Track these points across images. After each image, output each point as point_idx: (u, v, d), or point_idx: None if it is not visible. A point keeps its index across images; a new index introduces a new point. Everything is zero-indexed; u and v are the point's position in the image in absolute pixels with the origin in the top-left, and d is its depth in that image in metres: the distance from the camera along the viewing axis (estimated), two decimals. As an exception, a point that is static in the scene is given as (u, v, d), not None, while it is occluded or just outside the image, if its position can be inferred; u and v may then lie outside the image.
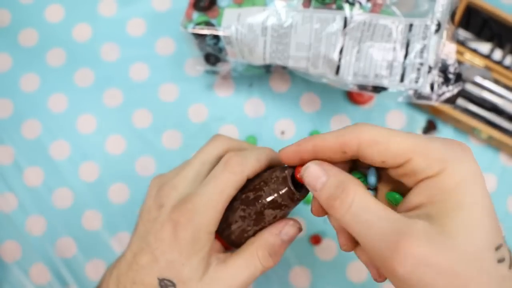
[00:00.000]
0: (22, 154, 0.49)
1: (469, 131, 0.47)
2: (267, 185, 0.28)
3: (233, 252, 0.29)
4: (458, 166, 0.21)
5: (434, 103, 0.38)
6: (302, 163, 0.26)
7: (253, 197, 0.28)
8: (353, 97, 0.48)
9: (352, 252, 0.46)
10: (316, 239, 0.46)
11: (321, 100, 0.49)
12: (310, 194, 0.43)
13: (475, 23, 0.49)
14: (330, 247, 0.46)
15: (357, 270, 0.46)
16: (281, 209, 0.28)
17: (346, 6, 0.37)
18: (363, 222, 0.22)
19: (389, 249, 0.20)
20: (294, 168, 0.28)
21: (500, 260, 0.20)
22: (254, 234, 0.30)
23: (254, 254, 0.28)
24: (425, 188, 0.22)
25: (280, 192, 0.28)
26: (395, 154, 0.22)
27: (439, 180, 0.21)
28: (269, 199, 0.28)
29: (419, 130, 0.48)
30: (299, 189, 0.28)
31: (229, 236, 0.30)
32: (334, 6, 0.37)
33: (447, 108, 0.46)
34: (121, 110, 0.49)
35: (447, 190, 0.21)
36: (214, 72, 0.47)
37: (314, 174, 0.24)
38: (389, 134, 0.22)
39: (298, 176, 0.27)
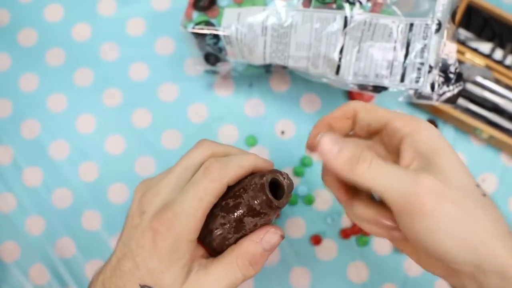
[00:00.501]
0: (21, 154, 0.49)
1: (470, 131, 0.47)
2: (246, 192, 0.28)
3: (214, 259, 0.29)
4: (425, 125, 0.27)
5: (435, 103, 0.38)
6: None
7: (233, 204, 0.28)
8: (353, 97, 0.48)
9: (352, 253, 0.46)
10: (316, 240, 0.46)
11: (321, 100, 0.49)
12: (311, 194, 0.42)
13: (476, 22, 0.49)
14: (330, 247, 0.46)
15: (357, 271, 0.45)
16: (261, 216, 0.28)
17: (347, 6, 0.37)
18: (384, 179, 0.25)
19: (409, 192, 0.24)
20: (274, 174, 0.28)
21: (484, 194, 0.26)
22: (235, 241, 0.29)
23: (234, 263, 0.28)
24: (408, 144, 0.27)
25: (258, 200, 0.27)
26: (380, 117, 0.28)
27: (415, 137, 0.26)
28: (248, 206, 0.27)
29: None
30: (279, 197, 0.28)
31: (211, 243, 0.29)
32: (334, 5, 0.37)
33: (447, 108, 0.45)
34: (120, 110, 0.49)
35: (425, 143, 0.26)
36: (214, 72, 0.46)
37: (330, 143, 0.26)
38: (374, 105, 0.29)
39: (314, 144, 0.28)
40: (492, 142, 0.47)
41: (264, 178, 0.27)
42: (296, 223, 0.47)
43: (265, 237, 0.28)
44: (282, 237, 0.29)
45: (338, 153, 0.26)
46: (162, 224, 0.27)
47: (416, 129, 0.27)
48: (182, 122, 0.49)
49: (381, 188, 0.25)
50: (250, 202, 0.27)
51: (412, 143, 0.26)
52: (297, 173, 0.47)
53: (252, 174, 0.30)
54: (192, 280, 0.28)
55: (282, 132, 0.48)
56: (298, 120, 0.48)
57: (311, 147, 0.29)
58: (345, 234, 0.46)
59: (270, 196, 0.27)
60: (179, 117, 0.49)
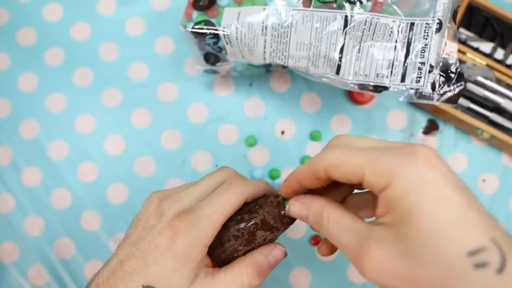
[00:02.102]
0: (20, 154, 0.48)
1: (471, 131, 0.47)
2: (262, 208, 0.31)
3: (222, 268, 0.31)
4: (402, 176, 0.21)
5: (436, 102, 0.37)
6: (299, 193, 0.30)
7: (248, 218, 0.31)
8: (353, 97, 0.48)
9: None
10: (316, 240, 0.46)
11: (322, 99, 0.49)
12: None
13: (477, 22, 0.49)
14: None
15: (357, 271, 0.45)
16: (272, 231, 0.31)
17: (347, 5, 0.37)
18: (338, 238, 0.24)
19: (356, 257, 0.22)
20: None
21: (479, 265, 0.19)
22: (243, 254, 0.32)
23: (243, 271, 0.30)
24: (383, 200, 0.22)
25: (273, 215, 0.30)
26: (352, 173, 0.24)
27: (388, 192, 0.22)
28: (262, 220, 0.31)
29: (420, 129, 0.48)
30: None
31: (220, 254, 0.31)
32: (334, 5, 0.37)
33: (448, 108, 0.45)
34: (120, 110, 0.49)
35: (396, 201, 0.21)
36: (214, 72, 0.46)
37: (298, 209, 0.28)
38: (345, 154, 0.24)
39: (286, 195, 0.30)
40: (493, 142, 0.47)
41: (280, 197, 0.31)
42: (296, 223, 0.46)
43: (273, 252, 0.31)
44: (286, 254, 0.32)
45: (308, 215, 0.28)
46: (184, 224, 0.28)
47: (388, 184, 0.22)
48: (182, 122, 0.49)
49: (337, 245, 0.25)
50: (265, 217, 0.30)
51: (386, 198, 0.22)
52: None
53: (264, 196, 0.33)
54: (198, 284, 0.29)
55: (282, 132, 0.48)
56: (298, 120, 0.48)
57: (285, 196, 0.31)
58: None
59: (284, 212, 0.30)
60: (179, 117, 0.49)
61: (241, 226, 0.31)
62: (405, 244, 0.20)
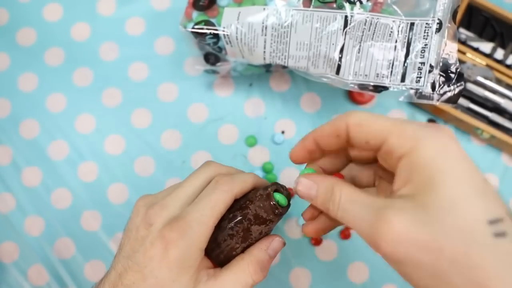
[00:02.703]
0: (20, 154, 0.48)
1: (470, 131, 0.47)
2: (252, 203, 0.30)
3: (222, 268, 0.30)
4: (428, 142, 0.22)
5: (436, 102, 0.37)
6: (310, 158, 0.28)
7: (240, 215, 0.30)
8: (353, 97, 0.48)
9: (352, 253, 0.46)
10: (316, 240, 0.46)
11: (322, 99, 0.49)
12: None
13: (477, 22, 0.49)
14: (330, 247, 0.46)
15: (357, 271, 0.45)
16: (266, 224, 0.31)
17: (347, 5, 0.37)
18: (351, 213, 0.23)
19: (372, 229, 0.21)
20: (276, 186, 0.31)
21: (499, 234, 0.19)
22: (242, 251, 0.31)
23: (246, 269, 0.29)
24: (403, 168, 0.22)
25: (265, 208, 0.30)
26: (375, 134, 0.24)
27: (411, 158, 0.22)
28: (255, 215, 0.30)
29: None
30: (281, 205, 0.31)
31: (219, 255, 0.31)
32: (334, 5, 0.37)
33: (448, 108, 0.45)
34: (120, 109, 0.49)
35: (420, 166, 0.21)
36: (214, 72, 0.46)
37: (306, 186, 0.27)
38: (371, 117, 0.24)
39: (291, 191, 0.30)
40: (493, 142, 0.47)
41: (269, 189, 0.30)
42: (297, 223, 0.46)
43: (271, 245, 0.31)
44: (284, 244, 0.32)
45: (316, 193, 0.26)
46: (175, 233, 0.27)
47: (414, 148, 0.22)
48: (182, 122, 0.49)
49: (349, 222, 0.24)
50: (257, 211, 0.30)
51: (408, 165, 0.22)
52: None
53: (253, 190, 0.32)
54: None
55: (282, 132, 0.48)
56: (298, 120, 0.48)
57: (294, 160, 0.29)
58: (345, 234, 0.46)
59: (276, 203, 0.30)
60: (179, 117, 0.49)
61: (235, 224, 0.30)
62: (427, 211, 0.20)
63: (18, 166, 0.48)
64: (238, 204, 0.31)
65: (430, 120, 0.48)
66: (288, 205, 0.31)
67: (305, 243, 0.46)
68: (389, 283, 0.45)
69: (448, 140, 0.22)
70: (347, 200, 0.24)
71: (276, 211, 0.30)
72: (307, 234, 0.30)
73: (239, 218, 0.31)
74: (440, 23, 0.36)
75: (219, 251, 0.31)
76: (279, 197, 0.31)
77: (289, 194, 0.32)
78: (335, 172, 0.30)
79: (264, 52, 0.39)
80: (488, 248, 0.19)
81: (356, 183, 0.30)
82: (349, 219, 0.24)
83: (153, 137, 0.48)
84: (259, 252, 0.30)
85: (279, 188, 0.31)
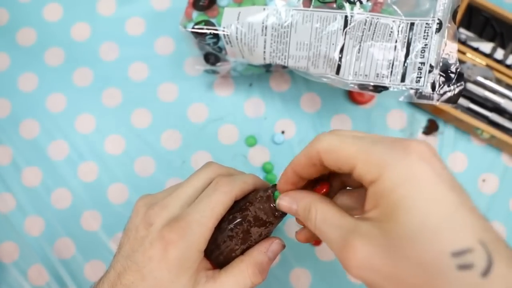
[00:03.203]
0: (20, 154, 0.48)
1: (470, 131, 0.47)
2: (252, 205, 0.30)
3: (222, 270, 0.30)
4: (394, 168, 0.21)
5: (436, 102, 0.37)
6: (299, 186, 0.29)
7: (240, 217, 0.30)
8: (353, 97, 0.48)
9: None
10: (316, 241, 0.46)
11: (322, 99, 0.49)
12: None
13: (477, 22, 0.49)
14: (330, 248, 0.46)
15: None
16: (266, 226, 0.31)
17: (347, 5, 0.37)
18: (324, 233, 0.24)
19: (340, 252, 0.22)
20: (275, 188, 0.30)
21: (464, 267, 0.18)
22: (241, 252, 0.31)
23: (245, 271, 0.29)
24: (371, 193, 0.22)
25: (265, 210, 0.30)
26: (343, 161, 0.23)
27: (378, 185, 0.21)
28: (255, 217, 0.30)
29: (420, 129, 0.48)
30: None
31: (218, 256, 0.31)
32: (334, 5, 0.37)
33: (448, 108, 0.45)
34: (120, 109, 0.49)
35: (386, 193, 0.21)
36: (214, 72, 0.46)
37: (287, 205, 0.28)
38: (339, 142, 0.23)
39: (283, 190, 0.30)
40: (493, 142, 0.47)
41: (269, 191, 0.30)
42: (296, 224, 0.46)
43: (271, 247, 0.31)
44: (284, 246, 0.32)
45: (297, 209, 0.27)
46: (174, 234, 0.27)
47: (380, 175, 0.21)
48: (182, 122, 0.49)
49: (324, 240, 0.24)
50: (257, 213, 0.30)
51: (376, 191, 0.21)
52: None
53: (253, 191, 0.32)
54: None
55: (282, 132, 0.48)
56: (298, 120, 0.48)
57: (281, 190, 0.30)
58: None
59: (275, 205, 0.30)
60: (179, 117, 0.49)
61: (235, 226, 0.30)
62: (390, 239, 0.20)
63: (18, 166, 0.48)
64: (238, 206, 0.31)
65: (430, 120, 0.48)
66: None
67: (305, 244, 0.46)
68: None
69: (416, 162, 0.20)
70: (321, 220, 0.24)
71: (276, 213, 0.30)
72: (299, 241, 0.30)
73: (239, 219, 0.30)
74: (440, 23, 0.36)
75: (218, 253, 0.31)
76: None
77: None
78: (321, 182, 0.29)
79: (264, 52, 0.39)
80: (452, 282, 0.18)
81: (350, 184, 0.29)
82: (323, 238, 0.24)
83: (153, 137, 0.48)
84: (258, 254, 0.30)
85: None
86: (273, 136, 0.48)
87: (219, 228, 0.31)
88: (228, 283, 0.29)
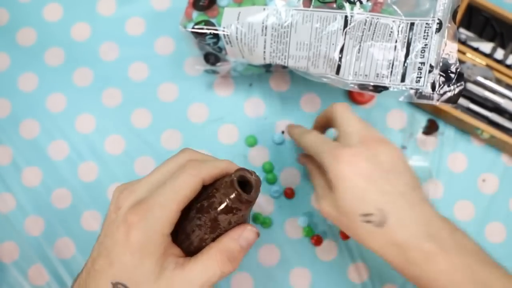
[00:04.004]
0: (20, 154, 0.48)
1: (470, 131, 0.47)
2: (218, 191, 0.29)
3: (193, 257, 0.29)
4: (335, 164, 0.33)
5: (436, 102, 0.37)
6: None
7: (207, 205, 0.29)
8: (353, 97, 0.48)
9: (352, 253, 0.46)
10: (316, 240, 0.46)
11: (322, 100, 0.49)
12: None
13: (477, 22, 0.49)
14: (330, 248, 0.46)
15: (357, 271, 0.45)
16: (233, 213, 0.29)
17: (347, 5, 0.37)
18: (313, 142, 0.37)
19: (317, 204, 0.36)
20: (242, 171, 0.30)
21: (367, 221, 0.31)
22: (212, 241, 0.30)
23: (213, 259, 0.28)
24: (329, 176, 0.34)
25: (230, 196, 0.29)
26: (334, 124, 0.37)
27: (328, 170, 0.33)
28: (220, 204, 0.29)
29: (420, 129, 0.48)
30: (249, 192, 0.29)
31: (189, 246, 0.30)
32: (334, 5, 0.37)
33: (448, 108, 0.45)
34: (120, 109, 0.49)
35: (331, 176, 0.33)
36: (214, 72, 0.46)
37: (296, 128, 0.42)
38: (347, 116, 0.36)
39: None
40: (493, 142, 0.47)
41: (233, 175, 0.29)
42: (297, 223, 0.46)
43: (243, 234, 0.30)
44: (258, 234, 0.31)
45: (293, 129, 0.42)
46: (136, 216, 0.27)
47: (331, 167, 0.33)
48: (182, 122, 0.49)
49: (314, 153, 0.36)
50: (222, 199, 0.29)
51: (330, 177, 0.34)
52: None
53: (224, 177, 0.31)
54: (167, 277, 0.27)
55: (282, 132, 0.48)
56: (298, 120, 0.48)
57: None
58: (345, 235, 0.46)
59: (239, 190, 0.29)
60: (179, 117, 0.49)
61: (202, 214, 0.29)
62: (335, 202, 0.33)
63: (18, 166, 0.48)
64: (206, 193, 0.30)
65: (430, 120, 0.48)
66: (256, 191, 0.30)
67: (305, 243, 0.46)
68: (389, 283, 0.45)
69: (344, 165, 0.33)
70: (311, 134, 0.38)
71: (241, 198, 0.29)
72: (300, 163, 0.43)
73: (205, 207, 0.29)
74: (440, 23, 0.36)
75: (189, 242, 0.30)
76: (246, 184, 0.29)
77: (258, 180, 0.31)
78: None
79: (264, 52, 0.39)
80: (360, 226, 0.32)
81: None
82: (313, 151, 0.37)
83: (153, 137, 0.48)
84: (228, 241, 0.29)
85: (245, 173, 0.30)
86: (273, 136, 0.48)
87: (188, 216, 0.30)
88: (196, 270, 0.28)
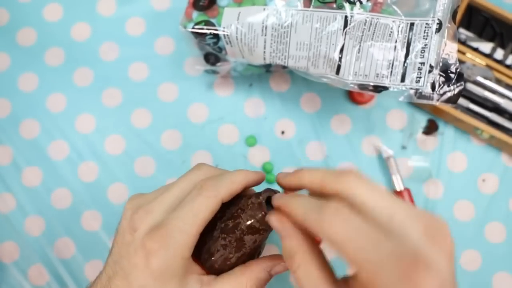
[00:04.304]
0: (21, 154, 0.48)
1: (470, 131, 0.47)
2: (244, 212, 0.29)
3: (219, 276, 0.30)
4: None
5: (435, 102, 0.37)
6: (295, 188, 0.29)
7: (232, 225, 0.29)
8: (353, 97, 0.48)
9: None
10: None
11: (322, 100, 0.49)
12: None
13: (477, 22, 0.49)
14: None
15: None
16: (260, 233, 0.30)
17: (347, 5, 0.37)
18: (303, 286, 0.24)
19: None
20: (268, 192, 0.29)
21: None
22: (236, 260, 0.30)
23: (243, 284, 0.29)
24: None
25: (257, 217, 0.29)
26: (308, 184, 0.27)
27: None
28: (247, 225, 0.29)
29: (420, 129, 0.48)
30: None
31: (213, 265, 0.30)
32: (334, 5, 0.37)
33: (448, 108, 0.45)
34: (120, 110, 0.49)
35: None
36: (214, 72, 0.46)
37: (274, 225, 0.27)
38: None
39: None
40: (492, 142, 0.47)
41: (261, 197, 0.29)
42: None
43: (275, 268, 0.30)
44: (286, 269, 0.30)
45: (283, 239, 0.28)
46: (155, 242, 0.27)
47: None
48: (182, 122, 0.49)
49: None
50: (249, 220, 0.29)
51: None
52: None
53: (245, 193, 0.31)
54: None
55: (282, 132, 0.48)
56: (298, 120, 0.48)
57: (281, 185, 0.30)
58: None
59: (267, 212, 0.29)
60: (179, 117, 0.49)
61: (227, 235, 0.29)
62: None
63: (18, 166, 0.48)
64: (230, 213, 0.30)
65: (430, 120, 0.48)
66: None
67: (305, 243, 0.46)
68: None
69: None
70: (302, 275, 0.25)
71: None
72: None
73: (231, 228, 0.29)
74: (440, 23, 0.36)
75: (213, 261, 0.30)
76: (270, 203, 0.29)
77: None
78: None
79: (264, 52, 0.39)
80: None
81: None
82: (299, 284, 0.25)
83: (153, 137, 0.48)
84: (260, 270, 0.30)
85: (272, 195, 0.30)
86: (273, 137, 0.47)
87: (212, 236, 0.30)
88: None
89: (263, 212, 0.29)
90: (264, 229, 0.29)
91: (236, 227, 0.29)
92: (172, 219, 0.28)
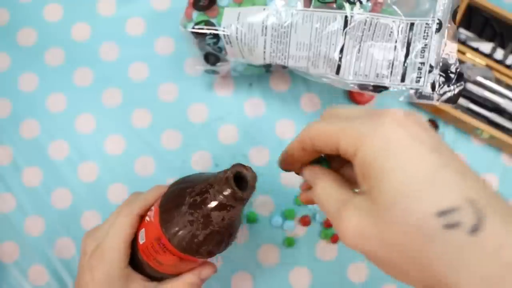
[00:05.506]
0: (21, 154, 0.48)
1: (470, 131, 0.47)
2: (212, 187, 0.29)
3: (160, 283, 0.35)
4: (370, 139, 0.21)
5: (435, 102, 0.37)
6: (294, 168, 0.29)
7: (200, 200, 0.29)
8: (353, 97, 0.48)
9: (352, 253, 0.46)
10: (304, 221, 0.46)
11: (322, 100, 0.49)
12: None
13: (477, 22, 0.49)
14: (330, 247, 0.46)
15: (357, 271, 0.45)
16: (227, 210, 0.29)
17: (347, 5, 0.37)
18: (323, 203, 0.24)
19: (335, 224, 0.22)
20: (237, 167, 0.29)
21: (449, 226, 0.18)
22: (204, 239, 0.30)
23: (180, 286, 0.35)
24: (357, 167, 0.22)
25: (224, 193, 0.28)
26: (330, 143, 0.23)
27: (359, 158, 0.21)
28: (214, 200, 0.29)
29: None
30: (244, 189, 0.29)
31: (180, 243, 0.30)
32: (334, 5, 0.37)
33: (448, 108, 0.45)
34: (120, 110, 0.49)
35: (367, 164, 0.21)
36: (214, 72, 0.46)
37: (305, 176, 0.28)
38: (325, 125, 0.24)
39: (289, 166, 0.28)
40: (492, 142, 0.47)
41: (229, 172, 0.29)
42: (297, 223, 0.46)
43: (203, 271, 0.35)
44: (215, 271, 0.36)
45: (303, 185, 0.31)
46: (95, 260, 0.34)
47: (358, 148, 0.21)
48: (182, 122, 0.49)
49: (323, 210, 0.24)
50: (216, 196, 0.28)
51: (359, 164, 0.21)
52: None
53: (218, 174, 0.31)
54: None
55: (282, 132, 0.48)
56: (298, 120, 0.48)
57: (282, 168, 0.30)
58: (329, 223, 0.46)
59: (234, 188, 0.28)
60: (179, 117, 0.49)
61: (195, 210, 0.29)
62: (376, 208, 0.20)
63: (18, 166, 0.48)
64: (199, 187, 0.29)
65: (430, 120, 0.48)
66: (252, 188, 0.29)
67: (305, 243, 0.46)
68: (389, 283, 0.45)
69: (390, 128, 0.21)
70: (322, 191, 0.25)
71: (236, 195, 0.28)
72: (301, 201, 0.30)
73: (198, 203, 0.29)
74: (440, 23, 0.36)
75: (180, 237, 0.29)
76: (241, 179, 0.28)
77: (254, 176, 0.29)
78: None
79: (264, 52, 0.39)
80: (440, 242, 0.18)
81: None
82: (322, 208, 0.24)
83: (153, 137, 0.48)
84: (192, 276, 0.35)
85: (241, 169, 0.29)
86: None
87: (179, 212, 0.29)
88: None
89: (229, 188, 0.28)
90: (230, 205, 0.29)
91: (203, 202, 0.29)
92: (105, 240, 0.34)
